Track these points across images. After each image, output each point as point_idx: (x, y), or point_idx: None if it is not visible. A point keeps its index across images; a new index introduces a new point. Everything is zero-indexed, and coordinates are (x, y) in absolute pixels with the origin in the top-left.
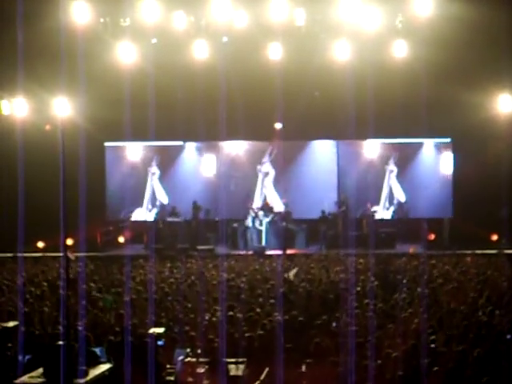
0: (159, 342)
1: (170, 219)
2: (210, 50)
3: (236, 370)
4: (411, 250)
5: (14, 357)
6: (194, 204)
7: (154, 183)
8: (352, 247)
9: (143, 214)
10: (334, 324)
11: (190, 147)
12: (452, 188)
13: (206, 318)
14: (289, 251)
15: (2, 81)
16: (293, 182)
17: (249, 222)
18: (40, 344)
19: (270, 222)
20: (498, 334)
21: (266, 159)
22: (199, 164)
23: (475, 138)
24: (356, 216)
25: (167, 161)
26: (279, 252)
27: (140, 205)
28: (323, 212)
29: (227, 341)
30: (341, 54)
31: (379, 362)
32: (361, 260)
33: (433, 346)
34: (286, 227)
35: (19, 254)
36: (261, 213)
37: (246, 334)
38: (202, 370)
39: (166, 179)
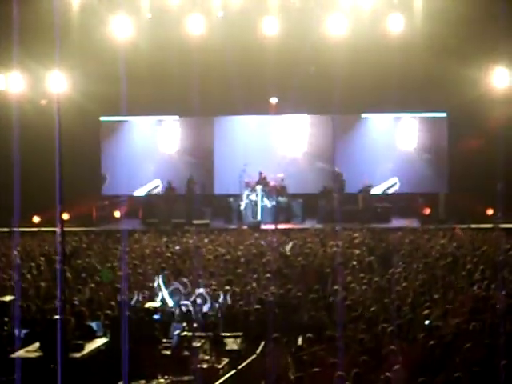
0: (155, 316)
1: (165, 194)
2: (206, 25)
3: (232, 344)
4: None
5: (10, 331)
6: (190, 179)
7: (149, 158)
8: (348, 222)
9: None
10: (331, 298)
11: (185, 122)
12: (447, 162)
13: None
14: (284, 226)
15: None
16: (289, 156)
17: (244, 197)
18: (36, 318)
19: (265, 197)
20: (494, 308)
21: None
22: (194, 139)
23: (471, 113)
24: (353, 191)
25: (163, 135)
26: (274, 226)
27: (139, 181)
28: (325, 187)
29: (223, 315)
30: (336, 28)
31: (375, 335)
32: (356, 234)
33: (428, 321)
34: (281, 201)
35: (15, 229)
36: (257, 187)
37: (243, 309)
38: (198, 345)
39: (160, 154)
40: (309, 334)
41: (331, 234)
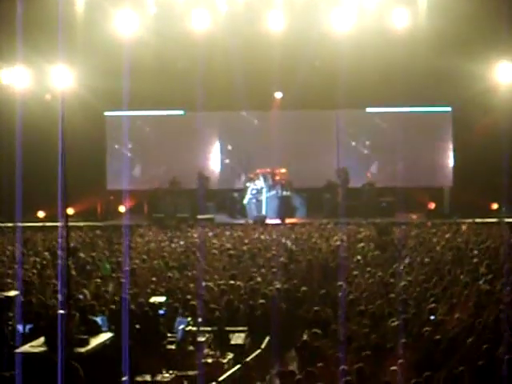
0: (160, 311)
1: (170, 188)
2: (210, 20)
3: (237, 338)
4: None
5: (15, 326)
6: (200, 173)
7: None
8: (352, 216)
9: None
10: (340, 294)
11: (192, 117)
12: (452, 157)
13: (207, 286)
14: (289, 220)
15: (2, 50)
16: (293, 151)
17: (248, 191)
18: (41, 313)
19: (270, 191)
20: (499, 303)
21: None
22: (200, 133)
23: (475, 107)
24: (356, 185)
25: (168, 130)
26: (279, 221)
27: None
28: (329, 181)
29: (228, 310)
30: (341, 23)
31: (380, 330)
32: (361, 229)
33: (433, 316)
34: (286, 196)
35: (19, 224)
36: (260, 182)
37: (248, 303)
38: (203, 339)
39: (166, 148)
40: (314, 329)
41: (336, 229)
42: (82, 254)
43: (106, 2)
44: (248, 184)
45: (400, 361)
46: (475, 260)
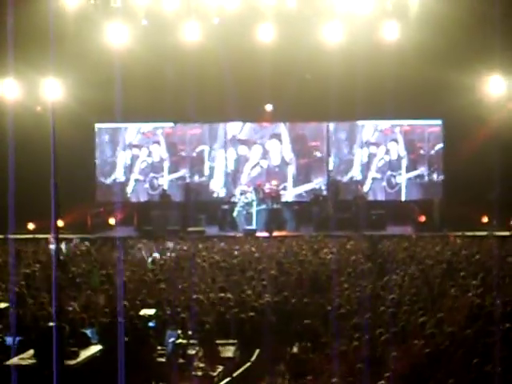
0: (150, 324)
1: (160, 201)
2: (201, 32)
3: (227, 351)
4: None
5: (4, 338)
6: (187, 186)
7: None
8: (342, 229)
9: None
10: (329, 307)
11: (181, 128)
12: (442, 169)
13: (198, 299)
14: (279, 233)
15: None
16: (282, 163)
17: (238, 204)
18: (31, 325)
19: (260, 204)
20: (489, 316)
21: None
22: (190, 145)
23: (466, 120)
24: (347, 198)
25: (157, 142)
26: (269, 234)
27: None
28: (315, 194)
29: (218, 323)
30: (332, 35)
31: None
32: (351, 242)
33: (423, 328)
34: (275, 208)
35: (10, 236)
36: (251, 194)
37: (238, 316)
38: (193, 352)
39: (155, 160)
40: (304, 342)
41: (325, 241)
42: (72, 267)
43: (96, 14)
44: (239, 197)
45: (386, 374)
46: (465, 273)
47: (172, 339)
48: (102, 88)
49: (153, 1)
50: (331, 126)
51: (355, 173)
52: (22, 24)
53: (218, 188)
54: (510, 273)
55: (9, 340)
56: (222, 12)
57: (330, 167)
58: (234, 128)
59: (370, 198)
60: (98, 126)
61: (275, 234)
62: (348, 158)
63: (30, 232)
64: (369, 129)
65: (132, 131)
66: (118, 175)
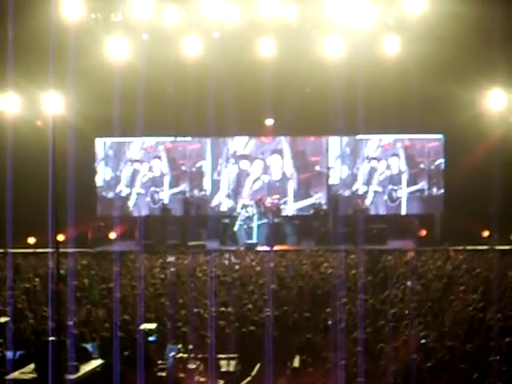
0: (151, 338)
1: (160, 215)
2: (202, 46)
3: (227, 365)
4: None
5: (4, 352)
6: (185, 200)
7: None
8: (343, 243)
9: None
10: (329, 322)
11: (181, 143)
12: (443, 184)
13: (198, 313)
14: (280, 247)
15: None
16: (283, 177)
17: (239, 218)
18: (31, 340)
19: (261, 218)
20: (489, 330)
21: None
22: (190, 160)
23: (467, 135)
24: (347, 212)
25: (159, 157)
26: (270, 248)
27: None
28: (316, 208)
29: (219, 337)
30: (332, 50)
31: (371, 357)
32: (352, 256)
33: (423, 341)
34: (276, 223)
35: (9, 250)
36: (252, 208)
37: (238, 330)
38: (194, 366)
39: (157, 175)
40: (304, 356)
41: (327, 256)
42: (72, 281)
43: (97, 29)
44: (240, 211)
45: None
46: (466, 287)
47: (172, 353)
48: (103, 102)
49: (153, 15)
50: (336, 139)
51: (358, 187)
52: (23, 38)
53: (222, 200)
54: (511, 287)
55: (9, 354)
56: (223, 26)
57: (334, 181)
58: (238, 144)
59: (372, 212)
60: (98, 140)
61: (276, 248)
62: (351, 173)
63: (30, 246)
64: (373, 144)
65: (135, 146)
66: (121, 189)
